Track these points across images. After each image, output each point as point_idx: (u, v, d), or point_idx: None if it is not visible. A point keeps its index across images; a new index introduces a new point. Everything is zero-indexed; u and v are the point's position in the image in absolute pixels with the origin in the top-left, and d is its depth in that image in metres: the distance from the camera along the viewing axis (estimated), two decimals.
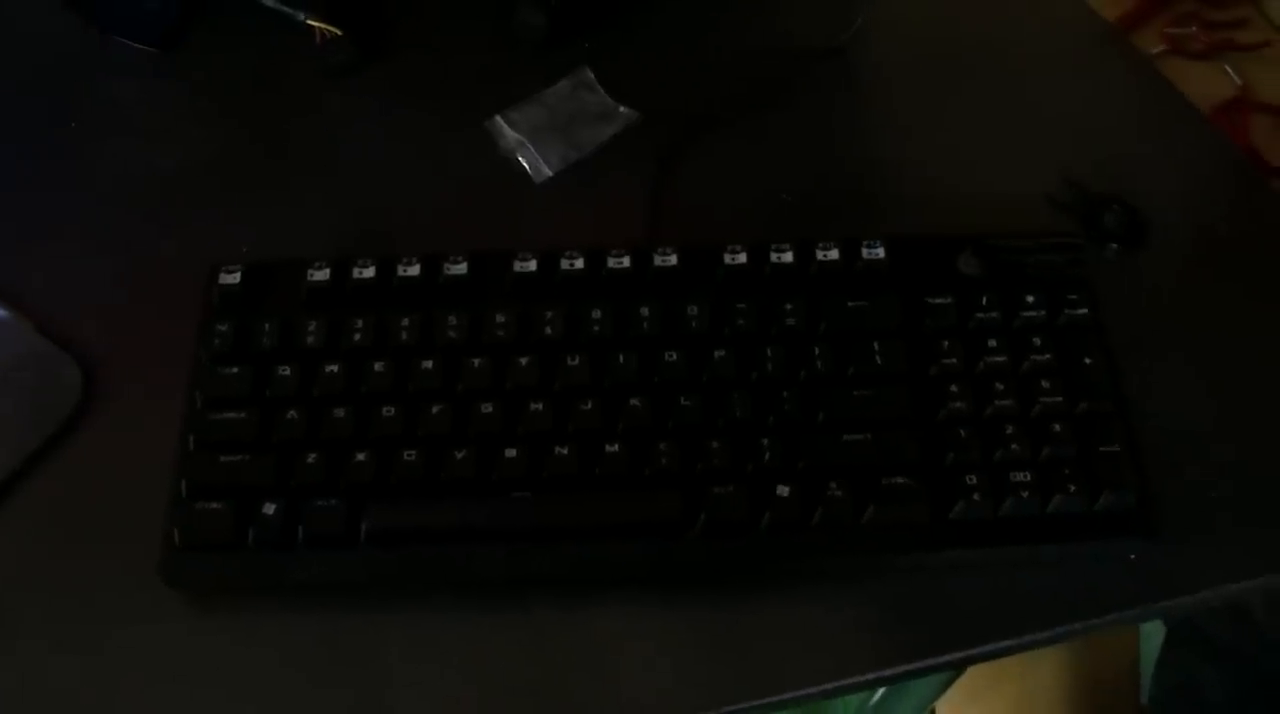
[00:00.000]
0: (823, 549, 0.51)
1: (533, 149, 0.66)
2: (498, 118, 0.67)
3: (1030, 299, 0.56)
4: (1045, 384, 0.54)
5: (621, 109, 0.67)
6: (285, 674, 0.51)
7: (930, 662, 0.51)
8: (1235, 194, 0.65)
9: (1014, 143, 0.66)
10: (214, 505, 0.52)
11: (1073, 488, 0.51)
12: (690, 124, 0.67)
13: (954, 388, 0.54)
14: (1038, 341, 0.55)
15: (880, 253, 0.57)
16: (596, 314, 0.55)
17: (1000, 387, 0.54)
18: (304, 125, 0.68)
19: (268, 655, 0.51)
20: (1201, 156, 0.66)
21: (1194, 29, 0.75)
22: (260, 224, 0.64)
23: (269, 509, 0.51)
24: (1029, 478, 0.52)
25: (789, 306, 0.56)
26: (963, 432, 0.53)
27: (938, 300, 0.56)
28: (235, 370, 0.54)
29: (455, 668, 0.51)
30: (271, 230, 0.63)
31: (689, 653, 0.51)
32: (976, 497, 0.51)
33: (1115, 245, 0.62)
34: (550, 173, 0.65)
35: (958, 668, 0.54)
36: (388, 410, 0.53)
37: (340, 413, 0.53)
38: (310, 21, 0.69)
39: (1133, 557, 0.53)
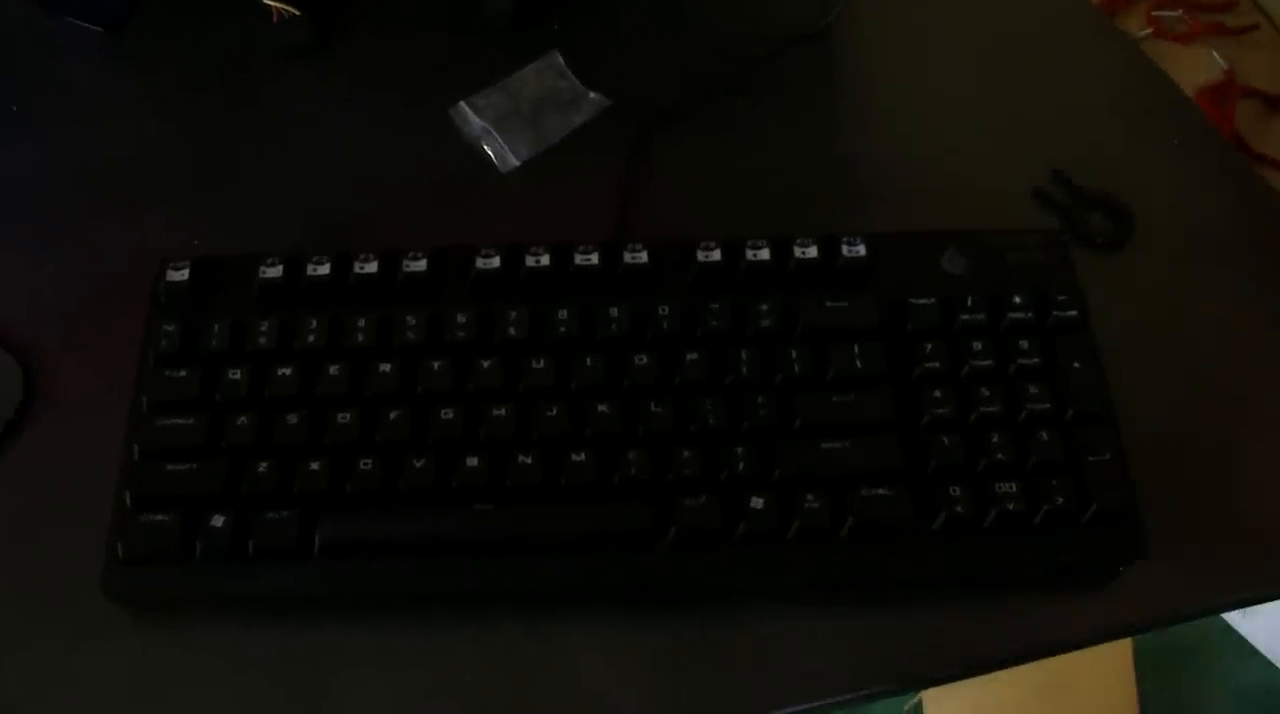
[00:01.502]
0: (799, 563, 0.49)
1: (498, 137, 0.63)
2: (462, 104, 0.64)
3: (1017, 300, 0.53)
4: (1033, 389, 0.52)
5: (592, 95, 0.64)
6: (236, 692, 0.48)
7: (910, 681, 0.49)
8: (1223, 184, 0.63)
9: (998, 132, 0.64)
10: (160, 517, 0.49)
11: (1060, 499, 0.49)
12: (663, 112, 0.64)
13: (937, 392, 0.51)
14: (1024, 344, 0.53)
15: (861, 250, 0.54)
16: (563, 314, 0.53)
17: (985, 392, 0.52)
18: (259, 110, 0.65)
19: (218, 673, 0.49)
20: (1189, 144, 0.64)
21: (1181, 12, 0.73)
22: (213, 215, 0.61)
23: (218, 521, 0.49)
24: (1015, 489, 0.50)
25: (765, 307, 0.53)
26: (946, 439, 0.51)
27: (920, 301, 0.54)
28: (182, 373, 0.52)
29: (414, 685, 0.49)
30: (225, 221, 0.61)
31: (658, 671, 0.49)
32: (960, 509, 0.49)
33: (1102, 242, 0.60)
34: (517, 162, 0.62)
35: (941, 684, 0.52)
36: (343, 416, 0.51)
37: (293, 419, 0.51)
38: (267, 0, 0.66)
39: (1122, 570, 0.51)
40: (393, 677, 0.49)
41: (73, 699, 0.48)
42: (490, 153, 0.63)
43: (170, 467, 0.50)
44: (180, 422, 0.51)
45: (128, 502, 0.49)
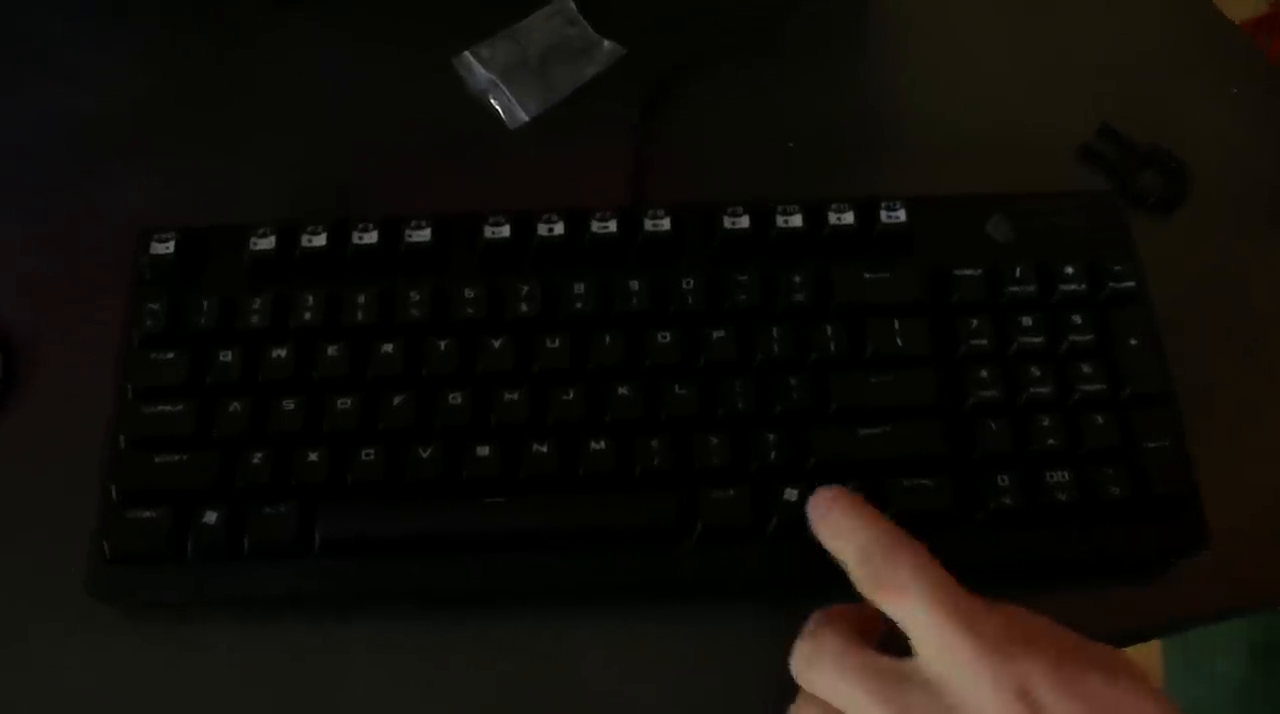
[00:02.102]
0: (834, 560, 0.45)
1: (506, 90, 0.58)
2: (466, 54, 0.60)
3: (1069, 270, 0.49)
4: (1086, 368, 0.48)
5: (605, 44, 0.60)
6: (232, 696, 0.45)
7: None
8: None
9: (1043, 84, 0.59)
10: (148, 513, 0.45)
11: (1116, 489, 0.46)
12: (682, 62, 0.59)
13: (983, 372, 0.48)
14: (1078, 319, 0.49)
15: (901, 216, 0.50)
16: (578, 288, 0.49)
17: (1035, 371, 0.48)
18: (247, 61, 0.60)
19: (212, 675, 0.46)
20: (1249, 91, 0.60)
21: None
22: (200, 177, 0.57)
23: (210, 517, 0.45)
24: (1067, 477, 0.46)
25: (797, 279, 0.49)
26: (993, 423, 0.47)
27: (965, 271, 0.49)
28: (170, 355, 0.48)
29: (419, 688, 0.46)
30: (213, 184, 0.57)
31: (682, 675, 0.46)
32: (1007, 499, 0.46)
33: (1155, 202, 0.55)
34: (526, 117, 0.58)
35: None
36: (342, 402, 0.47)
37: (289, 405, 0.47)
38: None
39: (1178, 563, 0.47)
40: (396, 681, 0.46)
41: (59, 703, 0.45)
42: (498, 107, 0.58)
43: (159, 458, 0.46)
44: (168, 409, 0.47)
45: (114, 496, 0.46)
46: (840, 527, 0.41)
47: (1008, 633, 0.37)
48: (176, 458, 0.46)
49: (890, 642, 0.39)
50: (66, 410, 0.50)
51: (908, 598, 0.38)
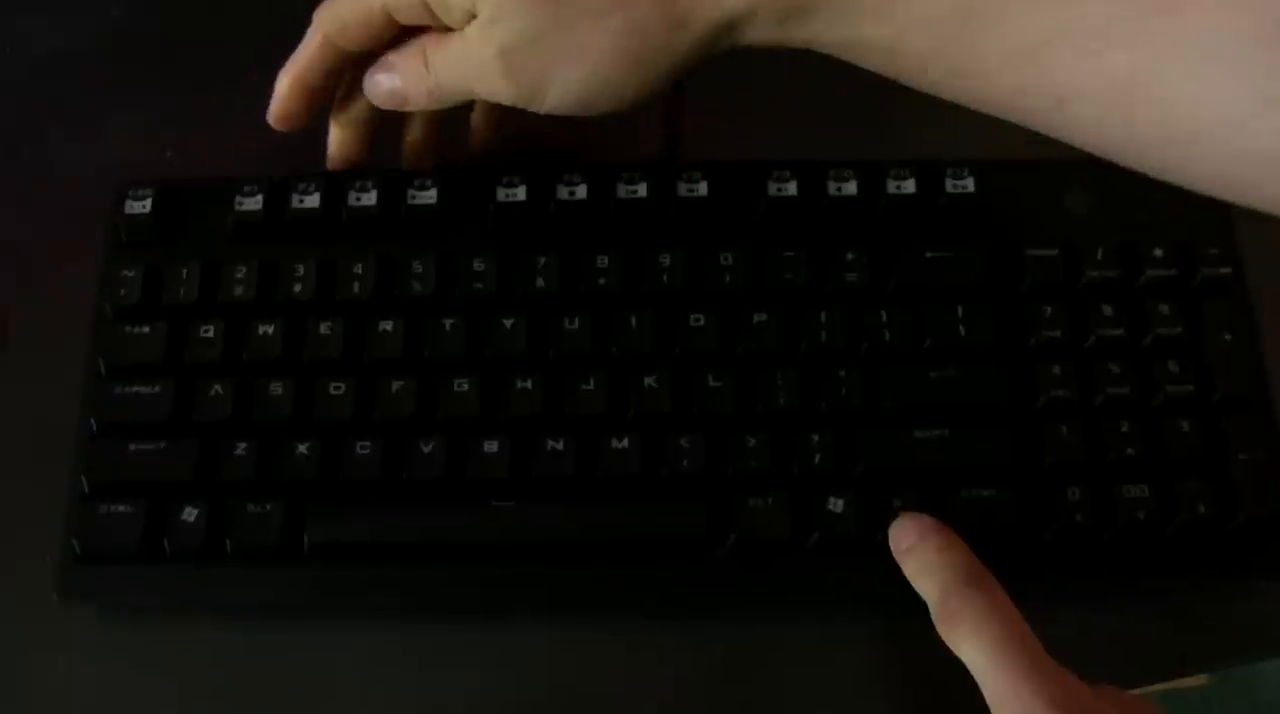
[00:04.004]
0: (884, 578, 0.40)
1: None
2: None
3: (1158, 252, 0.44)
4: (1172, 366, 0.42)
5: None
6: (209, 707, 0.42)
7: None
8: None
9: None
10: (121, 507, 0.41)
11: (1201, 507, 0.41)
12: None
13: (1056, 369, 0.42)
14: (1165, 309, 0.43)
15: (969, 185, 0.44)
16: (602, 261, 0.44)
17: (1114, 369, 0.42)
18: None
19: (190, 685, 0.42)
20: None
21: None
22: (186, 117, 0.51)
23: (189, 515, 0.41)
24: (1146, 492, 0.41)
25: (850, 256, 0.43)
26: (1065, 427, 0.42)
27: (1039, 251, 0.44)
28: (146, 329, 0.43)
29: (415, 708, 0.42)
30: (200, 125, 0.51)
31: (709, 701, 0.42)
32: (1079, 516, 0.41)
33: None
34: None
35: None
36: (335, 387, 0.42)
37: (276, 389, 0.42)
38: None
39: (1266, 588, 0.42)
40: (390, 699, 0.42)
41: (30, 710, 0.42)
42: None
43: (133, 446, 0.42)
44: (143, 390, 0.42)
45: (85, 488, 0.42)
46: (928, 563, 0.38)
47: (1070, 693, 0.34)
48: (152, 446, 0.42)
49: None
50: (38, 388, 0.45)
51: (975, 642, 0.35)
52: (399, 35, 0.42)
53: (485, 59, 0.39)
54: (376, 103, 0.43)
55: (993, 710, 0.35)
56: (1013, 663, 0.35)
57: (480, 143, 0.47)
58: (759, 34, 0.38)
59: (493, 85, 0.39)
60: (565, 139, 0.44)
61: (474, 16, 0.39)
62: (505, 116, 0.45)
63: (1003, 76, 0.35)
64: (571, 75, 0.38)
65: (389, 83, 0.42)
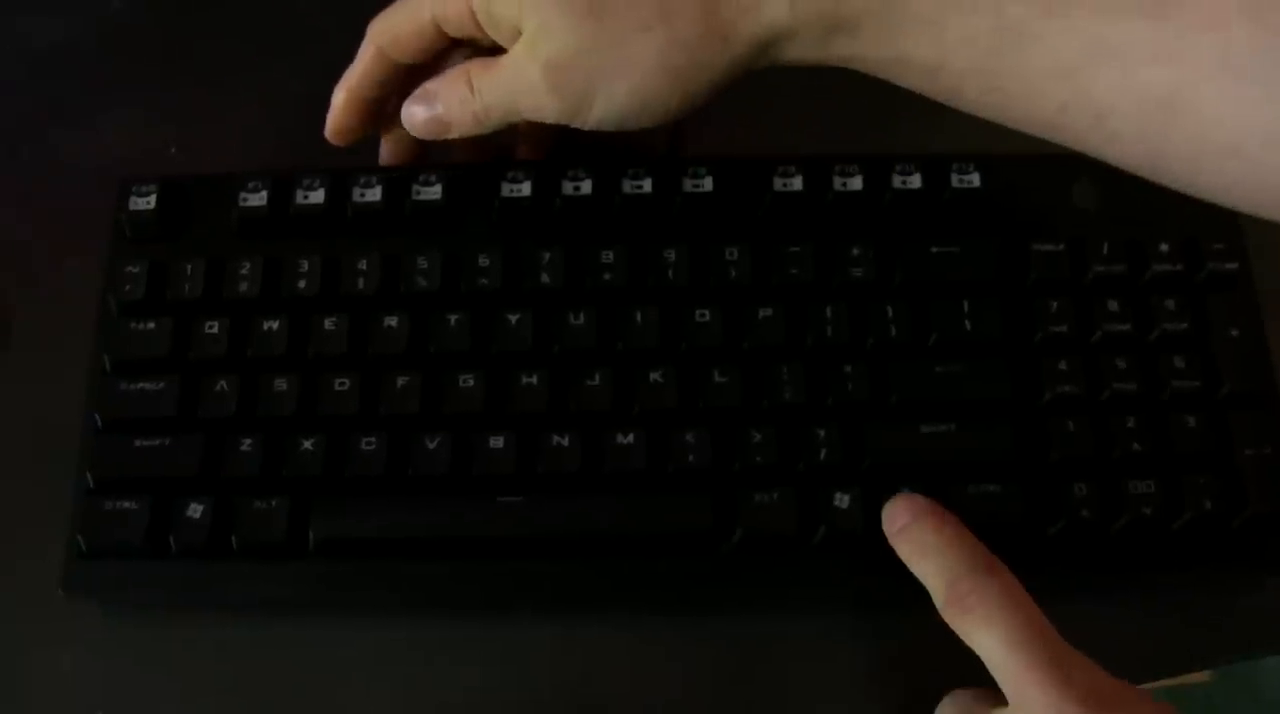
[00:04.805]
0: (890, 572, 0.40)
1: None
2: None
3: (1164, 248, 0.44)
4: (1178, 361, 0.42)
5: None
6: (215, 703, 0.42)
7: None
8: None
9: None
10: (126, 504, 0.41)
11: (1208, 503, 0.41)
12: None
13: (1062, 364, 0.42)
14: (1171, 304, 0.43)
15: (974, 180, 0.44)
16: (608, 256, 0.43)
17: (1121, 364, 0.42)
18: None
19: (195, 681, 0.42)
20: None
21: None
22: (190, 113, 0.51)
23: (194, 511, 0.41)
24: (1153, 488, 0.41)
25: (856, 251, 0.43)
26: (1071, 423, 0.42)
27: (1045, 246, 0.44)
28: (150, 325, 0.43)
29: (421, 703, 0.42)
30: (204, 121, 0.51)
31: (714, 695, 0.41)
32: (1085, 512, 0.41)
33: None
34: None
35: None
36: (340, 382, 0.42)
37: (281, 385, 0.42)
38: None
39: (1269, 583, 0.42)
40: (396, 695, 0.42)
41: (31, 706, 0.42)
42: None
43: (138, 442, 0.42)
44: (148, 386, 0.42)
45: (90, 484, 0.42)
46: (925, 543, 0.37)
47: (1096, 689, 0.33)
48: (157, 442, 0.42)
49: None
50: (43, 385, 0.45)
51: (992, 633, 0.35)
52: (447, 51, 0.42)
53: (531, 75, 0.39)
54: (415, 133, 0.42)
55: (1012, 702, 0.34)
56: (1035, 654, 0.34)
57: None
58: (800, 51, 0.38)
59: (539, 101, 0.39)
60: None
61: (519, 32, 0.39)
62: (546, 135, 0.46)
63: (1043, 95, 0.35)
64: (616, 90, 0.38)
65: (429, 111, 0.42)
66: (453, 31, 0.41)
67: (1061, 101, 0.35)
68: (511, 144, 0.46)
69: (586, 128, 0.40)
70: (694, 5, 0.37)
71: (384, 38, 0.42)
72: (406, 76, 0.43)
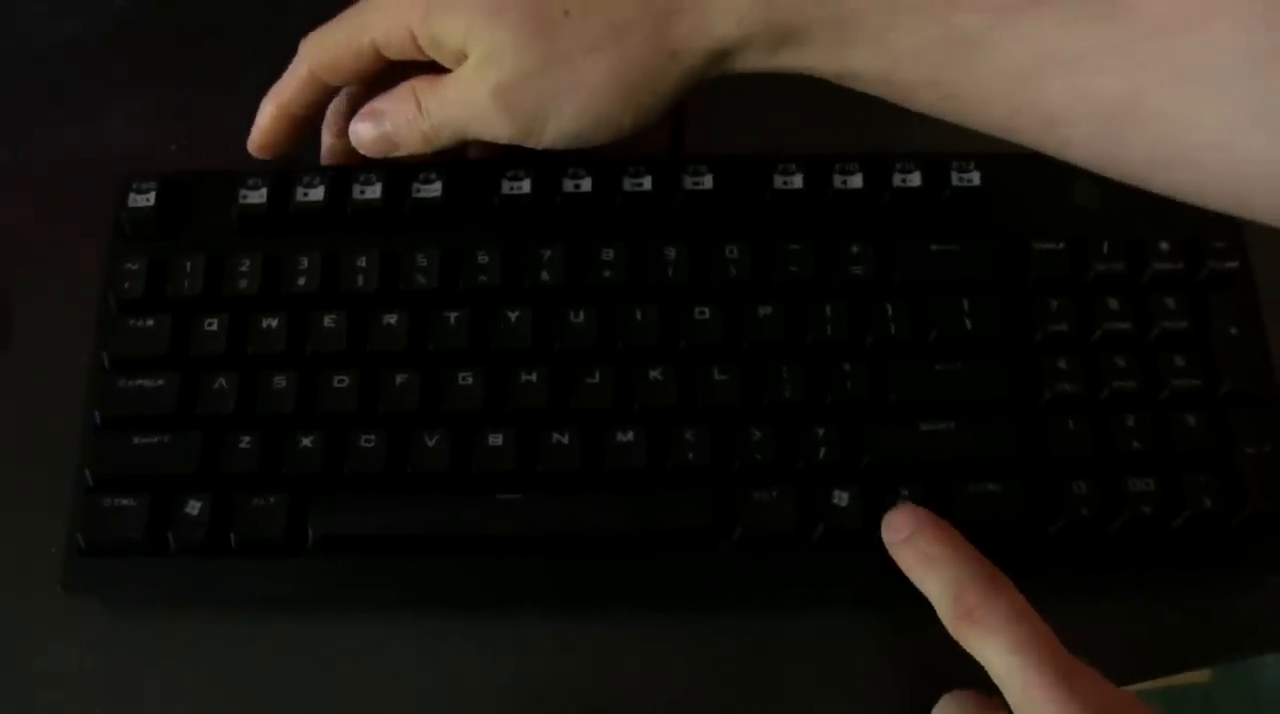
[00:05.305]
0: (888, 570, 0.40)
1: None
2: None
3: (1164, 246, 0.44)
4: (1178, 360, 0.42)
5: None
6: (214, 701, 0.42)
7: None
8: None
9: None
10: (126, 501, 0.41)
11: (1208, 501, 0.41)
12: None
13: (1062, 363, 0.42)
14: (1171, 303, 0.43)
15: (974, 178, 0.44)
16: (608, 254, 0.43)
17: (1120, 362, 0.42)
18: None
19: (194, 678, 0.42)
20: None
21: None
22: (190, 110, 0.51)
23: (193, 508, 0.41)
24: (1152, 486, 0.41)
25: (855, 250, 0.43)
26: (1071, 422, 0.42)
27: (1046, 245, 0.44)
28: (150, 322, 0.43)
29: (420, 700, 0.42)
30: (204, 118, 0.50)
31: (713, 691, 0.41)
32: (1085, 510, 0.41)
33: None
34: None
35: None
36: (339, 380, 0.42)
37: (280, 382, 0.42)
38: None
39: (1269, 581, 0.42)
40: (395, 692, 0.41)
41: (30, 703, 0.42)
42: None
43: (137, 439, 0.42)
44: (147, 383, 0.42)
45: (89, 481, 0.42)
46: (930, 555, 0.37)
47: (1101, 699, 0.33)
48: (156, 439, 0.42)
49: None
50: (43, 381, 0.45)
51: (998, 645, 0.35)
52: (385, 72, 0.41)
53: (480, 98, 0.38)
54: (363, 151, 0.42)
55: (1017, 711, 0.34)
56: (1041, 665, 0.34)
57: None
58: (751, 62, 0.38)
59: (489, 123, 0.39)
60: None
61: (465, 55, 0.38)
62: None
63: (994, 101, 0.36)
64: (567, 110, 0.38)
65: (377, 129, 0.41)
66: (393, 55, 0.40)
67: (1012, 108, 0.35)
68: (461, 148, 0.45)
69: (540, 147, 0.40)
70: (643, 24, 0.37)
71: (319, 60, 0.41)
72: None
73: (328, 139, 0.45)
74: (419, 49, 0.39)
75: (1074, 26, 0.33)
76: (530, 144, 0.40)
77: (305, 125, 0.44)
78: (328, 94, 0.43)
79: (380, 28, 0.40)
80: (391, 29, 0.39)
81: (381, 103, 0.41)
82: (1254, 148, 0.32)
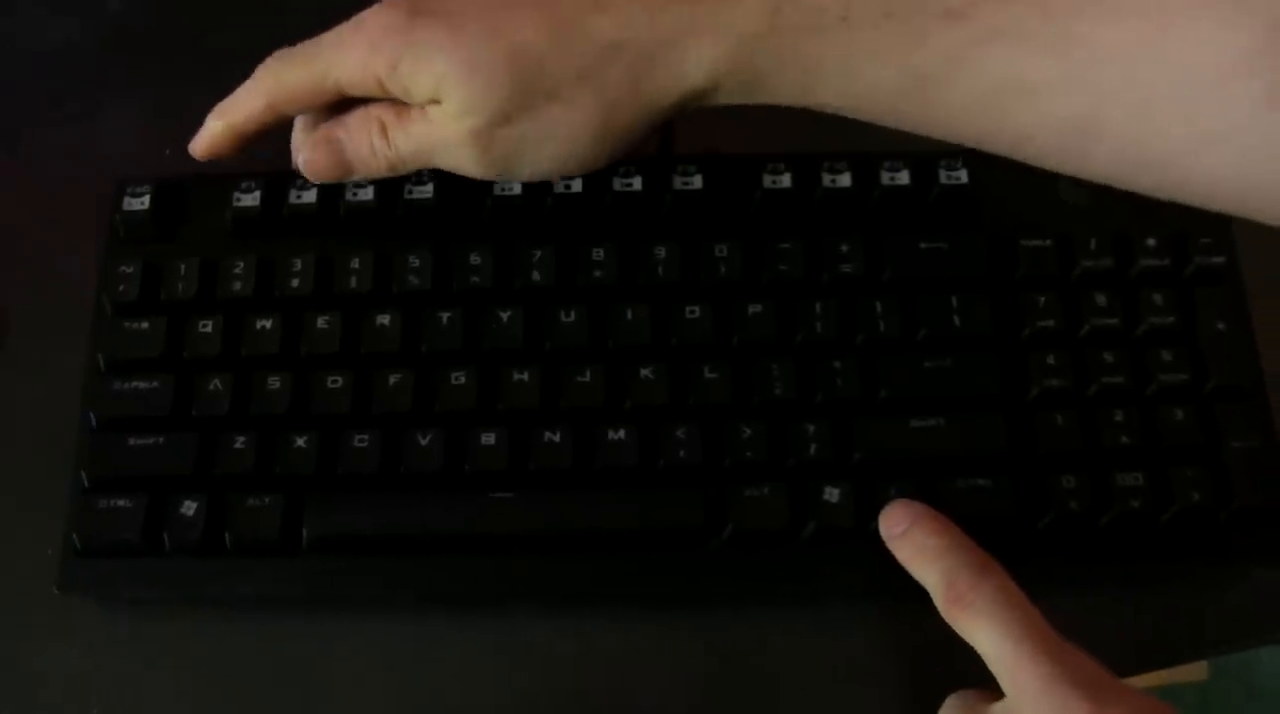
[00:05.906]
0: (879, 566, 0.40)
1: None
2: None
3: (1151, 242, 0.44)
4: (1166, 355, 0.43)
5: None
6: (210, 701, 0.42)
7: None
8: None
9: None
10: (121, 502, 0.41)
11: (1196, 495, 0.41)
12: None
13: (1050, 358, 0.43)
14: (1158, 298, 0.43)
15: (962, 176, 0.45)
16: (598, 254, 0.44)
17: (1108, 358, 0.43)
18: None
19: (190, 678, 0.42)
20: None
21: None
22: (184, 113, 0.50)
23: (188, 509, 0.41)
24: (1140, 480, 0.41)
25: (845, 248, 0.44)
26: (1060, 417, 0.42)
27: (1033, 241, 0.44)
28: (144, 325, 0.43)
29: (414, 699, 0.42)
30: (199, 121, 0.49)
31: (705, 689, 0.42)
32: (1074, 504, 0.41)
33: None
34: None
35: None
36: (333, 380, 0.42)
37: (274, 382, 0.42)
38: None
39: (1256, 574, 0.43)
40: (389, 691, 0.42)
41: (26, 703, 0.42)
42: None
43: (133, 440, 0.42)
44: (142, 385, 0.43)
45: (85, 482, 0.42)
46: (925, 547, 0.38)
47: (1089, 676, 0.34)
48: (151, 440, 0.42)
49: None
50: (39, 383, 0.45)
51: (989, 628, 0.35)
52: (342, 103, 0.41)
53: (453, 139, 0.39)
54: (315, 179, 0.42)
55: (1009, 693, 0.35)
56: (1030, 645, 0.34)
57: None
58: (723, 101, 0.38)
59: (461, 163, 0.40)
60: None
61: (437, 101, 0.38)
62: None
63: (961, 128, 0.37)
64: (543, 155, 0.39)
65: (333, 158, 0.41)
66: (355, 94, 0.40)
67: (980, 130, 0.36)
68: None
69: (515, 182, 0.41)
70: (618, 74, 0.37)
71: (277, 95, 0.40)
72: None
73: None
74: (385, 92, 0.39)
75: (1031, 59, 0.34)
76: (504, 181, 0.40)
77: (253, 141, 0.42)
78: (281, 121, 0.42)
79: (344, 71, 0.39)
80: (356, 75, 0.39)
81: (340, 131, 0.41)
82: (1207, 164, 0.34)
